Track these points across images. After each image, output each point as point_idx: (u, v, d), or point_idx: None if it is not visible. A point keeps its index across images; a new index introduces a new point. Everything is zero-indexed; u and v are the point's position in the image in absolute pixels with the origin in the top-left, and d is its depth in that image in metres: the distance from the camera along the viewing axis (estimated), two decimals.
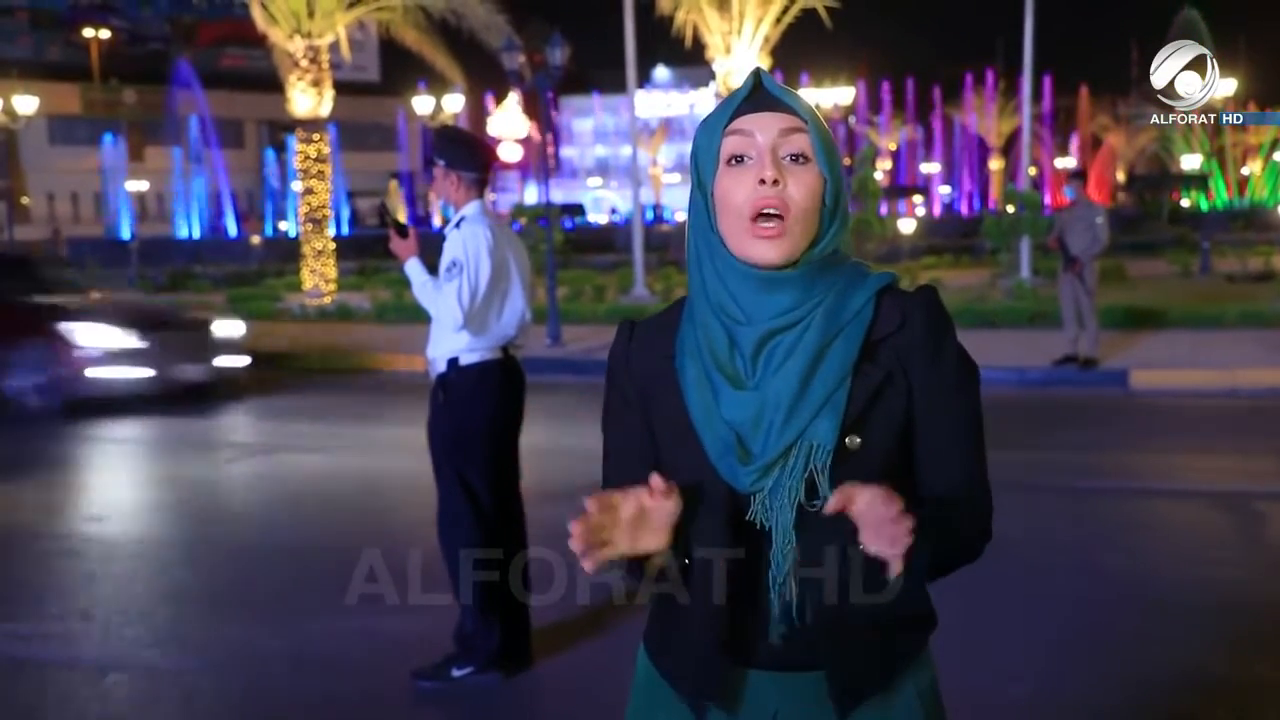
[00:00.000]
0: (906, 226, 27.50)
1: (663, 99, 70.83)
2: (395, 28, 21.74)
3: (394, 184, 51.29)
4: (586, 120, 75.37)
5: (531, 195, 50.47)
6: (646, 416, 1.66)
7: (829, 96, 39.06)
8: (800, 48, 26.64)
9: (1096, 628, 4.88)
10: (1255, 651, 4.56)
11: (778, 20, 20.54)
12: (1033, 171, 37.41)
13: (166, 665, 4.74)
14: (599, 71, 64.53)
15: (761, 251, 1.55)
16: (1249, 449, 8.52)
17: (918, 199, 52.60)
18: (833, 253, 1.59)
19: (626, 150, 38.04)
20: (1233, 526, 6.66)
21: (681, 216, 42.32)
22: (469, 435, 4.34)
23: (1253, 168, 45.34)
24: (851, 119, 53.90)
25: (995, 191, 53.71)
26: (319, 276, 21.06)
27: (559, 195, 41.88)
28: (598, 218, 59.68)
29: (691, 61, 29.50)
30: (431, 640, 4.49)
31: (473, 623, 4.33)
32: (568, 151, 74.88)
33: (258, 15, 20.43)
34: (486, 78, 42.21)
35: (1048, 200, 44.92)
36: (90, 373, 11.00)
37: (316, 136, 21.19)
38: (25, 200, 53.95)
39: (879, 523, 1.41)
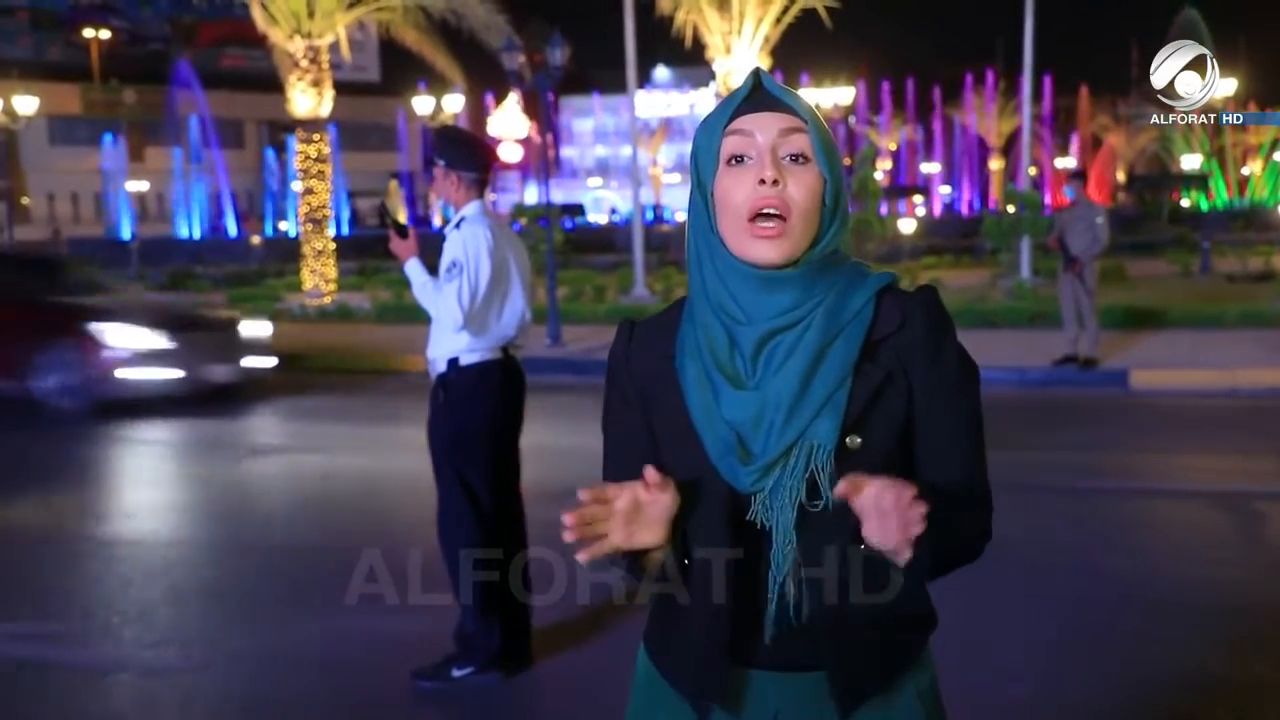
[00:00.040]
0: (906, 226, 27.49)
1: (663, 99, 70.83)
2: (395, 28, 21.74)
3: (394, 184, 51.23)
4: (586, 120, 75.37)
5: (532, 195, 50.48)
6: (647, 416, 1.66)
7: (829, 96, 39.01)
8: (800, 48, 26.65)
9: (1096, 628, 4.87)
10: (1255, 651, 4.56)
11: (778, 20, 20.53)
12: (1033, 171, 37.39)
13: (166, 665, 4.74)
14: (599, 71, 64.54)
15: (761, 251, 1.55)
16: (1249, 449, 8.52)
17: (918, 199, 52.58)
18: (833, 253, 1.59)
19: (626, 150, 38.07)
20: (1233, 526, 6.66)
21: (681, 216, 42.29)
22: (469, 435, 4.34)
23: (1253, 168, 45.34)
24: (851, 119, 53.89)
25: (995, 191, 53.73)
26: (319, 277, 21.06)
27: (559, 195, 41.82)
28: (598, 218, 59.67)
29: (691, 61, 29.49)
30: (431, 640, 4.49)
31: (473, 623, 4.33)
32: (568, 151, 74.88)
33: (258, 15, 20.44)
34: (486, 78, 42.17)
35: (1048, 200, 44.91)
36: (120, 374, 10.89)
37: (316, 136, 21.20)
38: (25, 200, 53.92)
39: (888, 512, 1.41)
